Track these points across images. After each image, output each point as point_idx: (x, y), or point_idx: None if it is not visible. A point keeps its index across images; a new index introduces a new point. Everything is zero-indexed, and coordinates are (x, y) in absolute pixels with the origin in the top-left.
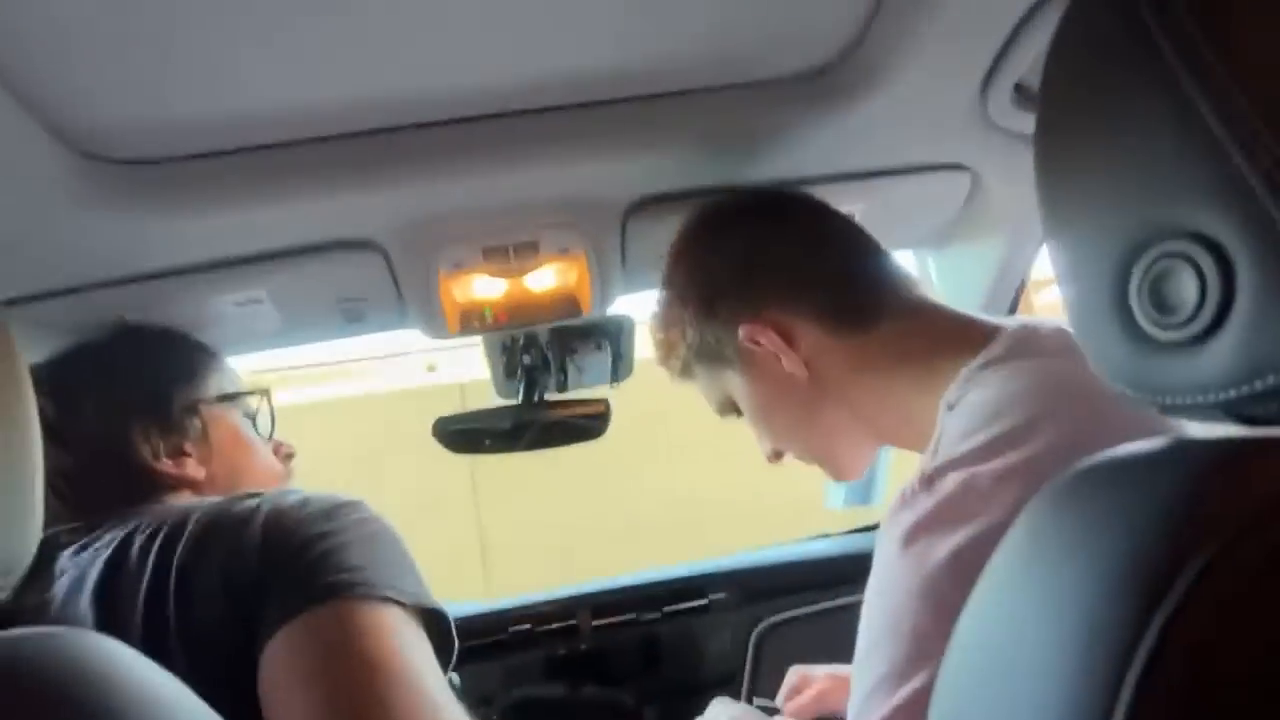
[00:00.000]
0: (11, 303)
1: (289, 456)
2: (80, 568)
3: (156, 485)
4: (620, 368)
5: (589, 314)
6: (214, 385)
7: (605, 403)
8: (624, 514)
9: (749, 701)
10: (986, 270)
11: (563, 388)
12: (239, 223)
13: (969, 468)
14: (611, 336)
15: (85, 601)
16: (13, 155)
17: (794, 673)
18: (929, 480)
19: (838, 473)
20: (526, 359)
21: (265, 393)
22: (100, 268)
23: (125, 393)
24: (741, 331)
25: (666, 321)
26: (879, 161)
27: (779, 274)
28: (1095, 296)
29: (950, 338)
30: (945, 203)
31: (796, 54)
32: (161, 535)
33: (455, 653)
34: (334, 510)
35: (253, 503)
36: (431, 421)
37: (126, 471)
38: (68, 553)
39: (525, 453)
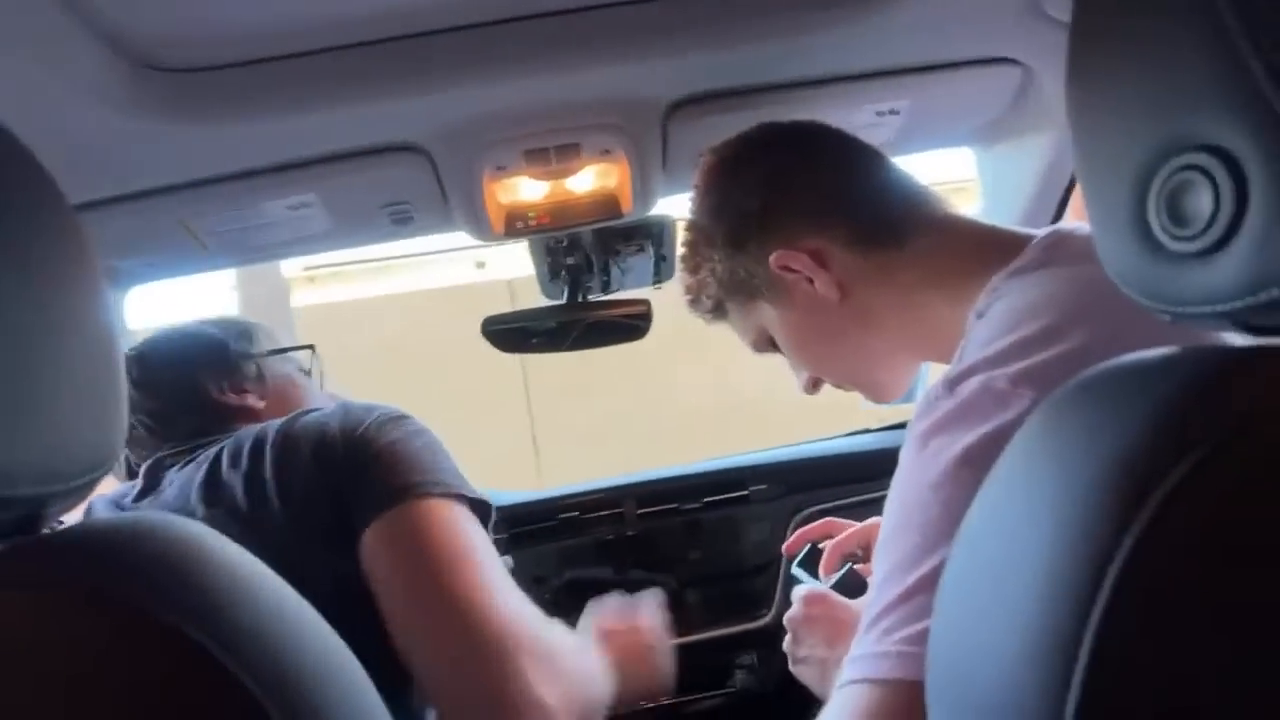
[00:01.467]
0: (79, 209)
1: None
2: (184, 479)
3: (224, 415)
4: (663, 268)
5: (630, 215)
6: (265, 343)
7: (647, 303)
8: (669, 412)
9: (786, 586)
10: (1034, 171)
11: (606, 288)
12: (288, 128)
13: (988, 371)
14: (654, 238)
15: (193, 502)
16: (73, 66)
17: (825, 523)
18: (951, 384)
19: (878, 395)
20: (570, 260)
21: (311, 348)
22: (159, 174)
23: (192, 352)
24: (772, 259)
25: (694, 263)
26: (925, 56)
27: (805, 200)
28: (1115, 204)
29: (981, 250)
30: (993, 99)
31: None
32: (247, 446)
33: (492, 530)
34: (397, 420)
35: (325, 412)
36: (481, 318)
37: (198, 405)
38: (173, 470)
39: (571, 352)
